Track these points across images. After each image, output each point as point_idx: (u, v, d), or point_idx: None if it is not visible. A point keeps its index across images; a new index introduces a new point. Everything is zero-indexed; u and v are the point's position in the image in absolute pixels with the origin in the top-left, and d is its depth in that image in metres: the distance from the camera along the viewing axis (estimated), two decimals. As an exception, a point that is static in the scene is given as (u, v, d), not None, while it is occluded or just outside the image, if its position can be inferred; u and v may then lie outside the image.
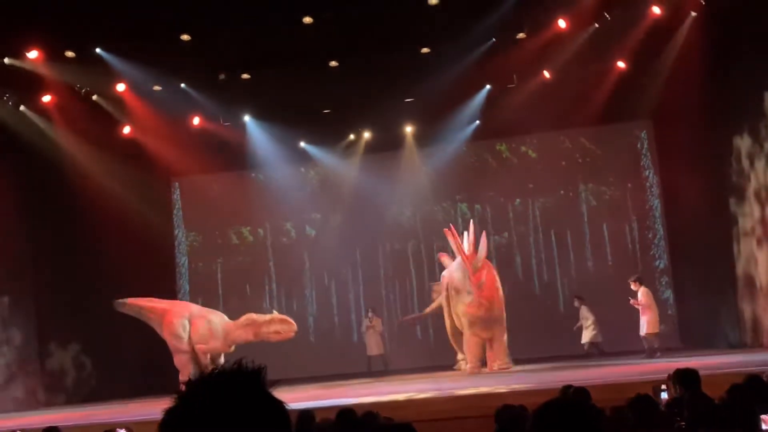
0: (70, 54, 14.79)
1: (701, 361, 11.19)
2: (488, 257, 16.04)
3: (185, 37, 14.59)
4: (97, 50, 14.85)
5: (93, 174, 17.30)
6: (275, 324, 15.21)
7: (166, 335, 15.57)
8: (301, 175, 20.51)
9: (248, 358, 1.60)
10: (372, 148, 19.44)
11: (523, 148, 19.73)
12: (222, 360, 15.45)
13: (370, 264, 19.94)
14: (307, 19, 14.30)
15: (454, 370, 15.80)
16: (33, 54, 14.39)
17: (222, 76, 16.25)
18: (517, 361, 15.23)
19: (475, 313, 14.65)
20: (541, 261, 19.26)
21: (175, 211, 20.80)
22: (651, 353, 14.85)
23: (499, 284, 15.13)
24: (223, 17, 14.02)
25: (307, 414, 6.27)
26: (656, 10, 14.63)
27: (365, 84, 16.25)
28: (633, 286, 15.33)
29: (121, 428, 7.55)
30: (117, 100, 16.68)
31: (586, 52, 15.84)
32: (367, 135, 19.37)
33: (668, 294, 18.44)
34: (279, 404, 1.54)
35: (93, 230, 18.49)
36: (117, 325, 18.68)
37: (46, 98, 16.02)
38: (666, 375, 6.46)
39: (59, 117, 16.39)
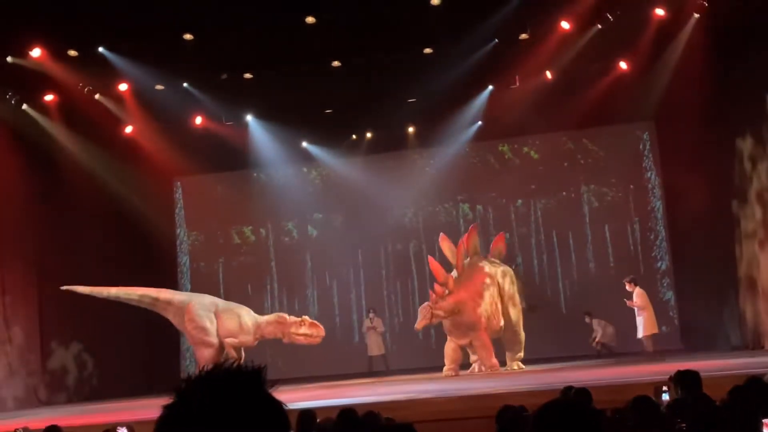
0: (72, 53, 14.80)
1: (702, 363, 11.18)
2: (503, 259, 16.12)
3: (188, 36, 14.60)
4: (100, 49, 14.87)
5: (95, 173, 17.33)
6: (305, 327, 15.18)
7: (189, 328, 15.40)
8: (303, 175, 20.52)
9: (249, 357, 1.59)
10: (374, 148, 19.45)
11: (525, 149, 19.73)
12: (243, 354, 15.52)
13: (372, 264, 19.94)
14: (310, 19, 14.31)
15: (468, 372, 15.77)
16: (36, 52, 14.40)
17: (224, 76, 16.26)
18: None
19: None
20: (542, 262, 19.25)
21: (176, 211, 20.82)
22: (650, 355, 14.81)
23: (484, 291, 14.92)
24: (226, 17, 14.03)
25: (308, 414, 6.27)
26: (659, 11, 14.62)
27: (368, 84, 16.26)
28: (628, 287, 15.29)
29: (122, 427, 7.55)
30: (119, 99, 16.70)
31: (589, 53, 15.84)
32: (369, 135, 19.37)
33: (670, 295, 18.42)
34: (278, 404, 1.53)
35: (94, 229, 18.52)
36: (118, 323, 18.71)
37: (49, 97, 16.04)
38: (667, 376, 6.45)
39: (61, 116, 16.40)
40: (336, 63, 16.06)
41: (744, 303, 14.91)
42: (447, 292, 14.60)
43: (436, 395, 11.27)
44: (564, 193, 19.37)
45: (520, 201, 19.55)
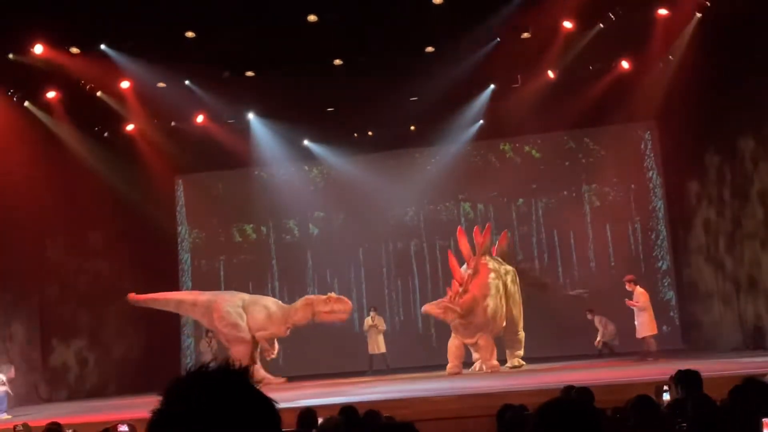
0: (75, 50, 14.80)
1: (703, 363, 11.18)
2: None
3: (190, 34, 14.60)
4: (102, 47, 14.87)
5: (97, 170, 17.33)
6: (331, 303, 15.24)
7: (219, 327, 15.38)
8: (305, 174, 20.52)
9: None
10: (376, 146, 19.44)
11: (527, 148, 19.72)
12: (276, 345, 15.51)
13: (373, 263, 19.94)
14: (312, 18, 14.31)
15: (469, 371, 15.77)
16: (38, 49, 14.40)
17: (226, 74, 16.25)
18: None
19: (448, 320, 14.82)
20: (543, 261, 19.24)
21: (178, 208, 20.83)
22: (650, 355, 14.79)
23: (492, 291, 14.98)
24: (228, 15, 14.02)
25: (308, 412, 6.27)
26: (661, 10, 14.60)
27: (369, 83, 16.24)
28: (628, 287, 15.27)
29: (123, 425, 7.55)
30: (121, 96, 16.69)
31: (591, 52, 15.83)
32: (370, 133, 19.37)
33: (671, 295, 18.42)
34: (268, 401, 1.53)
35: (96, 226, 18.55)
36: (119, 321, 18.74)
37: (51, 94, 16.04)
38: (668, 376, 6.45)
39: (63, 113, 16.41)
40: (338, 61, 16.05)
41: (745, 303, 14.91)
42: (463, 291, 14.61)
43: (437, 394, 11.28)
44: (565, 192, 19.36)
45: (521, 200, 19.54)
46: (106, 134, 17.97)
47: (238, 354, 14.97)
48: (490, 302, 14.74)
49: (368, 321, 17.85)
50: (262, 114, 18.35)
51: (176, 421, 1.46)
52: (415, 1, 14.33)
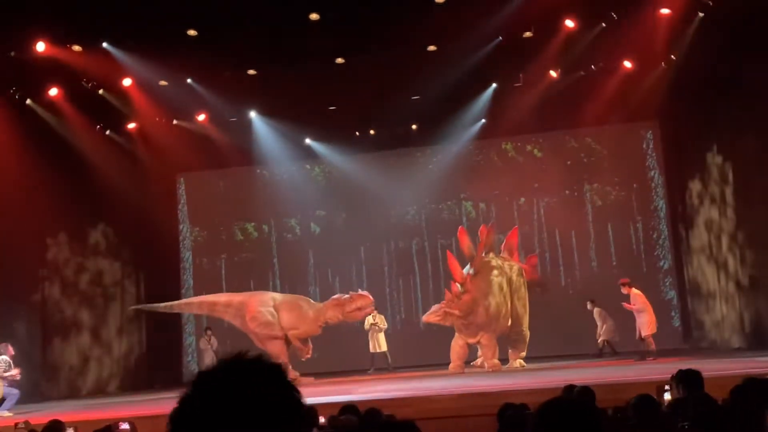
0: (77, 48, 14.80)
1: (704, 363, 11.17)
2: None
3: (192, 32, 14.60)
4: (104, 44, 14.88)
5: (98, 168, 17.33)
6: (356, 301, 15.35)
7: (252, 326, 15.39)
8: (307, 172, 20.52)
9: (253, 352, 1.57)
10: (378, 145, 19.44)
11: (529, 147, 19.71)
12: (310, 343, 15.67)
13: (375, 262, 19.94)
14: (314, 16, 14.31)
15: (470, 365, 15.78)
16: (40, 47, 14.40)
17: (228, 72, 16.25)
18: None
19: (450, 321, 14.82)
20: (545, 260, 19.23)
21: (179, 207, 20.84)
22: (650, 355, 14.80)
23: (496, 290, 14.95)
24: (230, 13, 14.01)
25: (310, 410, 6.27)
26: (664, 10, 14.58)
27: (371, 81, 16.25)
28: (624, 290, 15.27)
29: (123, 422, 7.56)
30: (123, 94, 16.69)
31: (593, 51, 15.82)
32: (372, 132, 19.37)
33: (672, 294, 18.41)
34: (301, 400, 1.51)
35: (97, 224, 18.57)
36: (120, 319, 18.76)
37: (53, 92, 16.04)
38: (669, 376, 6.44)
39: (65, 111, 16.41)
40: (340, 60, 16.05)
41: (747, 303, 14.90)
42: (462, 291, 14.61)
43: (438, 392, 11.28)
44: (567, 191, 19.36)
45: (523, 199, 19.54)
46: (108, 132, 17.98)
47: (273, 352, 15.01)
48: (492, 301, 14.73)
49: (369, 320, 17.84)
50: (263, 112, 18.35)
51: (208, 410, 1.43)
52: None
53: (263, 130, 18.69)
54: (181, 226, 20.79)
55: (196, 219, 20.81)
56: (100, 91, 16.63)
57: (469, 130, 18.95)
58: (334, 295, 16.24)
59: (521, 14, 14.36)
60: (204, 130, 18.42)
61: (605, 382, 10.29)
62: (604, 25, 15.12)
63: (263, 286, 19.74)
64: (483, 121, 18.64)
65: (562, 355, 16.65)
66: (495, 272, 15.11)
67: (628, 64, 16.56)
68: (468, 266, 15.21)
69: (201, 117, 18.18)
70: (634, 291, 15.15)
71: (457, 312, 14.55)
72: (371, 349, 17.70)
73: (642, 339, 15.17)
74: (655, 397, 5.88)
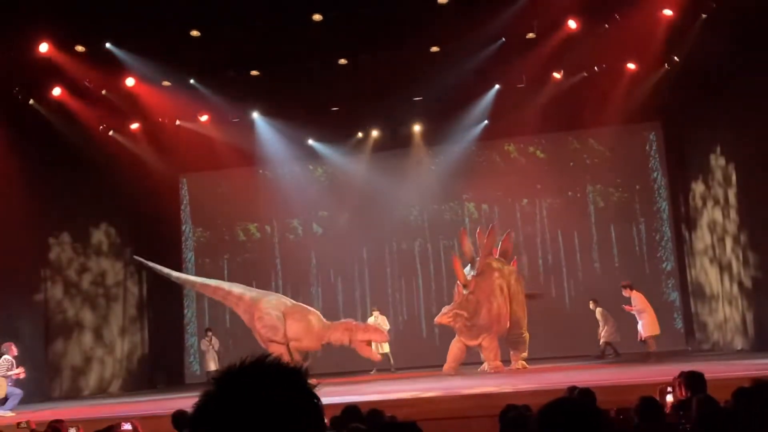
0: (80, 48, 14.82)
1: (708, 365, 11.16)
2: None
3: (195, 33, 14.61)
4: (107, 45, 14.90)
5: (101, 168, 17.35)
6: (370, 333, 15.16)
7: (257, 326, 15.31)
8: (309, 173, 20.53)
9: (250, 351, 1.57)
10: (380, 146, 19.45)
11: (531, 149, 19.70)
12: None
13: (377, 262, 19.94)
14: (317, 17, 14.31)
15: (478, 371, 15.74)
16: (44, 47, 14.42)
17: (231, 73, 16.26)
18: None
19: (451, 324, 14.82)
20: (547, 261, 19.23)
21: (182, 207, 20.86)
22: (651, 356, 14.77)
23: (497, 292, 14.93)
24: (233, 14, 14.03)
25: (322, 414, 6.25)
26: (667, 11, 14.56)
27: (374, 82, 16.25)
28: (625, 293, 15.28)
29: (126, 422, 7.55)
30: (126, 94, 16.71)
31: (596, 53, 15.80)
32: (375, 133, 19.38)
33: (675, 296, 18.39)
34: (318, 402, 1.51)
35: (100, 225, 18.59)
36: (123, 319, 18.78)
37: (56, 92, 16.05)
38: (672, 377, 6.44)
39: (68, 111, 16.42)
40: (342, 61, 16.05)
41: (749, 305, 14.87)
42: (467, 293, 14.61)
43: (440, 394, 11.27)
44: (570, 192, 19.35)
45: (525, 200, 19.53)
46: (111, 132, 18.00)
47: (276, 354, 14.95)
48: (494, 303, 14.73)
49: (371, 321, 17.85)
50: (266, 113, 18.36)
51: (228, 411, 1.42)
52: (421, 0, 14.32)
53: (266, 130, 18.70)
54: (183, 227, 20.80)
55: (199, 219, 20.83)
56: (103, 92, 16.64)
57: (472, 131, 18.94)
58: (341, 312, 16.15)
59: (524, 15, 14.36)
60: (207, 130, 18.43)
61: (608, 384, 10.28)
62: (606, 26, 15.10)
63: (265, 286, 19.73)
64: (486, 122, 18.63)
65: (565, 356, 16.63)
66: (496, 274, 15.11)
67: (630, 65, 16.54)
68: (468, 267, 15.20)
69: (204, 117, 18.19)
70: (635, 293, 15.16)
71: (465, 313, 14.55)
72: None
73: (643, 341, 15.19)
74: (658, 399, 5.88)
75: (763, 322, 14.38)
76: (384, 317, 17.96)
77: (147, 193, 18.49)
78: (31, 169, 16.31)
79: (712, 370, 9.04)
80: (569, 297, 18.94)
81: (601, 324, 16.86)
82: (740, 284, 15.19)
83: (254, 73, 16.34)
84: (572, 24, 14.98)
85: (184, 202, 20.93)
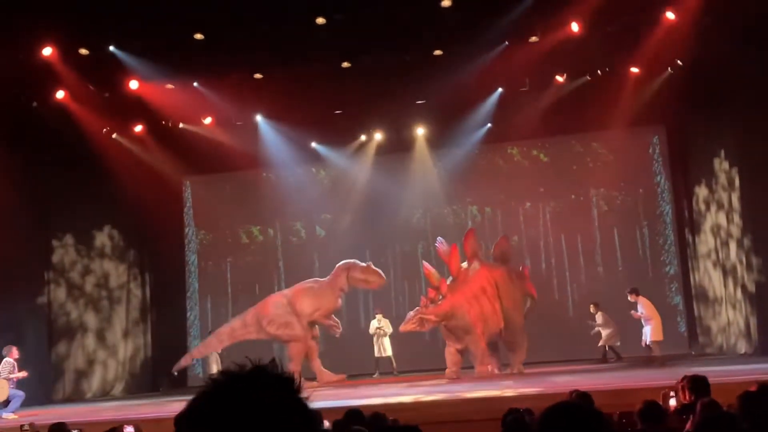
0: (83, 51, 14.84)
1: (711, 369, 11.14)
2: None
3: (198, 36, 14.63)
4: (111, 48, 14.91)
5: (105, 171, 17.37)
6: (368, 273, 15.47)
7: (271, 330, 15.28)
8: (312, 176, 20.53)
9: (255, 355, 1.56)
10: (383, 149, 19.45)
11: (535, 152, 19.69)
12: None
13: (380, 265, 19.75)
14: (320, 20, 14.32)
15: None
16: (47, 51, 14.44)
17: (234, 76, 16.26)
18: (524, 365, 15.14)
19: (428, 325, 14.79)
20: (551, 265, 19.20)
21: (185, 210, 20.86)
22: (655, 360, 14.73)
23: (480, 294, 14.79)
24: (237, 17, 14.04)
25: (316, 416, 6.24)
26: (669, 14, 14.55)
27: (377, 85, 16.26)
28: (631, 298, 15.23)
29: (129, 425, 7.56)
30: (130, 97, 16.72)
31: (599, 56, 15.79)
32: (378, 136, 19.39)
33: (678, 300, 18.35)
34: (312, 411, 1.50)
35: (103, 227, 18.60)
36: (126, 322, 18.78)
37: (60, 95, 16.08)
38: (675, 381, 6.42)
39: (72, 114, 16.44)
40: (346, 64, 16.06)
41: (753, 309, 14.85)
42: (440, 296, 14.58)
43: (443, 397, 11.26)
44: (573, 196, 19.33)
45: (528, 204, 19.51)
46: (114, 135, 18.02)
47: (292, 353, 15.15)
48: (476, 305, 14.60)
49: (374, 324, 17.84)
50: (269, 116, 18.37)
51: (215, 418, 1.43)
52: (424, 4, 14.33)
53: (269, 133, 18.71)
54: (186, 229, 20.81)
55: (202, 222, 20.84)
56: (107, 95, 16.65)
57: (475, 135, 18.93)
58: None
59: (527, 19, 14.36)
60: (210, 133, 18.43)
61: (611, 388, 10.27)
62: (609, 29, 15.08)
63: (268, 289, 19.75)
64: (489, 125, 18.62)
65: (568, 360, 16.60)
66: (476, 276, 14.98)
67: (634, 68, 16.52)
68: (468, 266, 15.17)
69: (207, 120, 18.21)
70: (642, 299, 15.12)
71: (432, 317, 14.48)
72: (376, 354, 17.69)
73: (647, 346, 15.15)
74: (661, 403, 5.87)
75: (767, 326, 14.34)
76: (387, 321, 17.94)
77: (150, 196, 18.50)
78: (35, 172, 16.35)
79: (716, 373, 9.02)
80: (572, 301, 18.91)
81: (603, 331, 16.81)
82: (744, 288, 15.16)
83: (258, 76, 16.36)
84: (575, 27, 14.97)
85: (188, 204, 20.94)
